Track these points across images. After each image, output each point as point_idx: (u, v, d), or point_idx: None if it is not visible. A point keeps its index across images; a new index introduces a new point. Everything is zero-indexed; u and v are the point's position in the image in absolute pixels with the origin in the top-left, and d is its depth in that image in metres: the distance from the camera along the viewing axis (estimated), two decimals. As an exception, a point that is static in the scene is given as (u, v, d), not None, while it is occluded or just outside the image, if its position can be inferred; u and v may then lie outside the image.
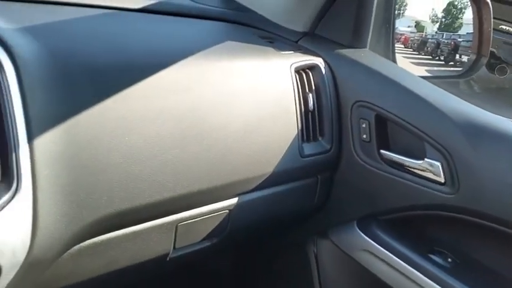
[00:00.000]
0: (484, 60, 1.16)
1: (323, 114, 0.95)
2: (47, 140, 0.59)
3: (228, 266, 1.35)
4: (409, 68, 1.12)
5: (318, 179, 0.98)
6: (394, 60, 1.11)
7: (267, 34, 1.04)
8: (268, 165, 0.86)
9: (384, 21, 1.07)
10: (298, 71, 0.92)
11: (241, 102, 0.81)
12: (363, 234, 0.99)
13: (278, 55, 0.92)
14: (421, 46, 1.35)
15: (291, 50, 0.96)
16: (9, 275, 0.58)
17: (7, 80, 0.57)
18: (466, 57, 1.23)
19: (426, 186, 0.87)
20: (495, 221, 0.80)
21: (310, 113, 0.92)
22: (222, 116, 0.78)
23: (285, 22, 1.07)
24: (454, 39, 1.39)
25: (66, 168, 0.61)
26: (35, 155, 0.58)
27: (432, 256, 0.91)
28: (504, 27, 5.03)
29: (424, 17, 1.36)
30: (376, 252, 0.96)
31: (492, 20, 1.12)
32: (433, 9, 1.32)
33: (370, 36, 1.03)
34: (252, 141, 0.82)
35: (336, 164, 0.99)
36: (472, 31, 1.16)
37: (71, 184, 0.62)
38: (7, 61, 0.58)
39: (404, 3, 1.26)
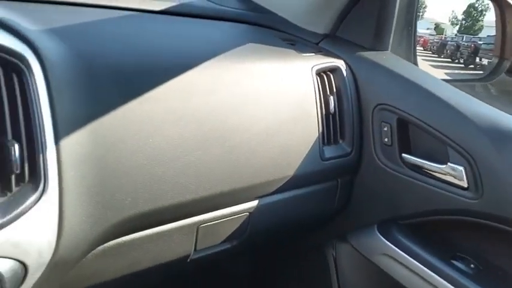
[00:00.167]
0: (507, 63, 1.14)
1: (344, 117, 0.94)
2: (73, 142, 0.60)
3: (248, 268, 1.35)
4: (429, 71, 1.11)
5: (338, 182, 0.98)
6: (416, 63, 1.10)
7: (288, 36, 1.04)
8: (289, 168, 0.85)
9: (406, 24, 1.06)
10: (320, 73, 0.92)
11: (262, 104, 0.81)
12: (383, 238, 0.98)
13: (299, 57, 0.92)
14: (440, 49, 1.34)
15: (312, 52, 0.96)
16: (35, 275, 0.59)
17: (35, 82, 0.57)
18: (487, 60, 1.22)
19: (449, 191, 0.85)
20: None
21: (331, 116, 0.92)
22: (244, 119, 0.78)
23: (306, 24, 1.06)
24: (474, 41, 1.38)
25: (92, 170, 0.62)
26: (61, 156, 0.58)
27: (454, 262, 0.90)
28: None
29: (444, 19, 1.35)
30: (396, 257, 0.95)
31: (516, 22, 1.11)
32: (452, 11, 1.31)
33: (391, 39, 1.02)
34: (273, 143, 0.81)
35: (357, 168, 0.98)
36: (493, 34, 1.14)
37: (97, 185, 0.62)
38: (35, 63, 0.58)
39: (424, 5, 1.25)
